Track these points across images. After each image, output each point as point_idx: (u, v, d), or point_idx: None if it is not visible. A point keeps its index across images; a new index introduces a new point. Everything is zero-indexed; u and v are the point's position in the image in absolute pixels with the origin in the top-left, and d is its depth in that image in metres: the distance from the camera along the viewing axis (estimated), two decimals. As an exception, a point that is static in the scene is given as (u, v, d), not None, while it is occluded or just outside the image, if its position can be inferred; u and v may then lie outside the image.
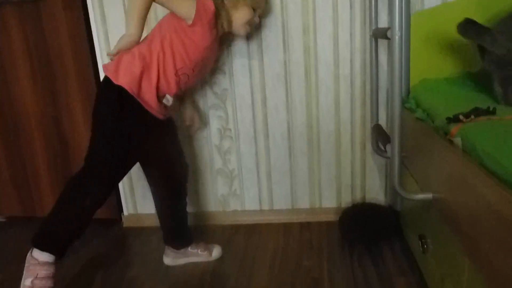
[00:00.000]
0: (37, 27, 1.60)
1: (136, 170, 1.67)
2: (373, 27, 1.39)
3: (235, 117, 1.59)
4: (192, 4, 1.14)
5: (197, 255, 1.44)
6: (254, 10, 1.27)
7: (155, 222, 1.68)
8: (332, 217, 1.62)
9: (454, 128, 0.99)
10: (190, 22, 1.15)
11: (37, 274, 1.15)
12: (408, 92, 1.37)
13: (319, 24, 1.48)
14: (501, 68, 1.13)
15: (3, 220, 1.92)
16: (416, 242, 1.33)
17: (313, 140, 1.59)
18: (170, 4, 1.16)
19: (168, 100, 1.24)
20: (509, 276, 0.69)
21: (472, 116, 0.99)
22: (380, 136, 1.35)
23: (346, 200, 1.65)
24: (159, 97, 1.22)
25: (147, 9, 1.16)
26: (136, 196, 1.73)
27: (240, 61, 1.53)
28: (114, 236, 1.69)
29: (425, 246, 1.23)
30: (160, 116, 1.24)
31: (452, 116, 1.01)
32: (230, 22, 1.24)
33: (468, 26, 1.16)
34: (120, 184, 1.73)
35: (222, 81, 1.56)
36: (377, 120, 1.49)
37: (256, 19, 1.31)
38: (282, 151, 1.62)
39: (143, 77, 1.17)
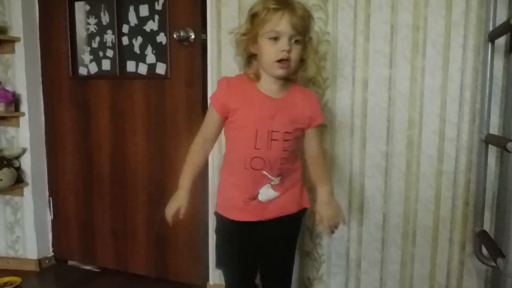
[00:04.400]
0: (159, 98, 1.80)
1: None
2: (484, 131, 1.38)
3: (331, 201, 1.62)
4: None
5: None
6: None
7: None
8: (423, 318, 1.54)
9: None
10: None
11: None
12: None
13: (425, 119, 1.50)
14: None
15: (97, 270, 2.05)
16: None
17: (409, 233, 1.56)
18: None
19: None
20: None
21: None
22: (487, 245, 1.29)
23: (440, 303, 1.56)
24: None
25: None
26: (223, 265, 1.78)
27: (342, 148, 1.58)
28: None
29: None
30: None
31: None
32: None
33: None
34: (210, 255, 1.79)
35: (322, 165, 1.61)
36: (482, 225, 1.43)
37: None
38: (375, 240, 1.60)
39: None
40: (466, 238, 1.51)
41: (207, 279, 1.83)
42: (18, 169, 2.01)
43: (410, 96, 1.50)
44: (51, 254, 2.14)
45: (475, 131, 1.45)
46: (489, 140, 1.34)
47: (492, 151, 1.43)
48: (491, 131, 1.40)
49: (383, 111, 1.53)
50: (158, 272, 1.92)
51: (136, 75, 1.85)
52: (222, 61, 1.66)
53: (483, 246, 1.39)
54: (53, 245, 2.14)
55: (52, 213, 2.11)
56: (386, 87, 1.52)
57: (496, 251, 1.18)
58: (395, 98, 1.51)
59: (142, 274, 1.95)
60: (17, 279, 1.91)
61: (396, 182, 1.55)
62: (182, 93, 1.75)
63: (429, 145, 1.50)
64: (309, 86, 1.58)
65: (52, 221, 2.12)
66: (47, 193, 2.10)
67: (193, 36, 1.70)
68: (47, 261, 2.11)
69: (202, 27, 1.68)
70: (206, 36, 1.67)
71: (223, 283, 1.74)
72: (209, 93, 1.68)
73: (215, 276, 1.80)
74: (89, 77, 1.96)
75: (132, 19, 1.83)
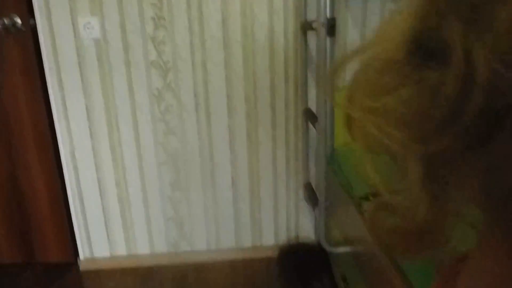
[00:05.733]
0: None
1: (92, 215, 1.83)
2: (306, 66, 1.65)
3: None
4: None
5: None
6: None
7: (111, 265, 1.86)
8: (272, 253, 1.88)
9: (366, 206, 1.27)
10: None
11: None
12: (333, 150, 1.63)
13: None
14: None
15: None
16: (340, 279, 1.62)
17: (254, 189, 1.84)
18: None
19: None
20: None
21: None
22: (309, 195, 1.63)
23: (283, 239, 1.91)
24: None
25: None
26: (92, 241, 1.87)
27: (190, 124, 1.73)
28: (72, 280, 1.83)
29: (347, 284, 1.53)
30: None
31: (363, 196, 1.29)
32: None
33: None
34: (76, 229, 1.86)
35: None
36: (308, 177, 1.76)
37: None
38: (229, 199, 1.85)
39: None
40: (298, 186, 1.84)
41: (77, 254, 1.91)
42: None
43: (244, 73, 1.68)
44: None
45: (299, 85, 1.72)
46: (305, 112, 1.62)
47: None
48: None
49: (222, 91, 1.69)
50: (25, 257, 1.93)
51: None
52: (57, 48, 1.61)
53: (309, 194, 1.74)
54: None
55: None
56: (222, 67, 1.67)
57: (315, 200, 1.50)
58: (231, 77, 1.68)
59: (7, 263, 1.94)
60: None
61: (238, 129, 1.78)
62: (19, 84, 1.67)
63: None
64: (150, 69, 1.65)
65: None
66: None
67: (20, 23, 1.59)
68: None
69: (29, 12, 1.58)
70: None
71: (94, 256, 1.87)
72: (49, 83, 1.64)
73: (85, 250, 1.89)
74: None
75: None
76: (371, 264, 1.21)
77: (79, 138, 1.73)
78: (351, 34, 1.66)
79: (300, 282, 1.72)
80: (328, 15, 1.28)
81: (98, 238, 1.87)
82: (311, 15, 1.53)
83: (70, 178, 1.78)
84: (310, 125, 1.70)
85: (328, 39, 1.30)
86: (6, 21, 1.55)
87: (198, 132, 1.74)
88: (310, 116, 1.62)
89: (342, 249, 1.45)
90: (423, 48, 0.21)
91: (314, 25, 1.42)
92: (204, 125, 1.73)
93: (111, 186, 1.79)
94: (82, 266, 1.90)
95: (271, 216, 1.88)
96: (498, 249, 0.24)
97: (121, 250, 1.89)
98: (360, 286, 1.34)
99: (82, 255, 1.90)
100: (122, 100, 1.68)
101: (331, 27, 1.30)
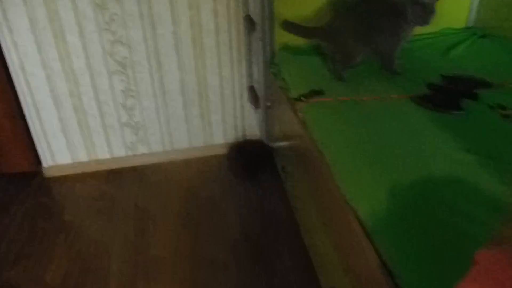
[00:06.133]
0: None
1: (49, 125, 1.93)
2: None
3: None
4: None
5: None
6: None
7: (74, 170, 2.01)
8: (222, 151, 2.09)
9: (299, 106, 1.44)
10: None
11: None
12: (273, 55, 1.75)
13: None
14: (330, 52, 1.59)
15: None
16: (281, 169, 1.87)
17: (203, 93, 1.97)
18: None
19: None
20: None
21: (310, 98, 1.45)
22: (253, 97, 1.78)
23: (232, 137, 2.11)
24: None
25: None
26: (52, 149, 1.99)
27: (135, 32, 1.78)
28: (39, 187, 1.98)
29: (286, 173, 1.77)
30: None
31: (297, 97, 1.46)
32: None
33: (287, 25, 1.60)
34: (35, 139, 1.96)
35: None
36: (252, 80, 1.90)
37: None
38: (179, 104, 1.98)
39: None
40: (243, 90, 1.99)
41: (39, 163, 2.03)
42: None
43: (185, -19, 1.72)
44: None
45: (240, 8, 1.79)
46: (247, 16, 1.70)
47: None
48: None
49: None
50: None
51: None
52: (-11, -42, 1.56)
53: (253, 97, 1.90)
54: None
55: None
56: (164, -26, 1.69)
57: (258, 101, 1.66)
58: (173, -16, 1.72)
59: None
60: None
61: (187, 56, 1.87)
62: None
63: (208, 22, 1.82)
64: (92, -22, 1.64)
65: None
66: None
67: None
68: None
69: None
70: None
71: (57, 163, 2.01)
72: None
73: (48, 158, 2.02)
74: None
75: None
76: (303, 155, 1.42)
77: (27, 51, 1.74)
78: None
79: (248, 173, 1.96)
80: None
81: (58, 146, 1.99)
82: None
83: (22, 91, 1.83)
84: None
85: None
86: None
87: (144, 40, 1.80)
88: (250, 22, 1.71)
89: (281, 144, 1.66)
90: None
91: None
92: (149, 33, 1.79)
93: (65, 96, 1.87)
94: (47, 173, 2.04)
95: (219, 117, 2.05)
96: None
97: (82, 156, 2.03)
98: (296, 173, 1.58)
99: (45, 163, 2.03)
100: (65, 10, 1.69)
101: None
